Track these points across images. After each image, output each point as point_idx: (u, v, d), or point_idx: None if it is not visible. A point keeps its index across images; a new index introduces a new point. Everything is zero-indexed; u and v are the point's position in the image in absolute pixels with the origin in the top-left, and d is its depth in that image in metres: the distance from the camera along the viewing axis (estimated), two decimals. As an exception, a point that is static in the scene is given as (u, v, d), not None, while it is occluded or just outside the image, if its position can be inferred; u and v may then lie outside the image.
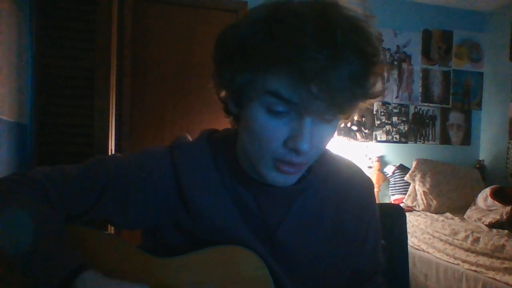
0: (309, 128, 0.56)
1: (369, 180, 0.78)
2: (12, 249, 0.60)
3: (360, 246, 0.74)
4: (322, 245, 0.70)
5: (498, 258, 2.19)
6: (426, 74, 3.62)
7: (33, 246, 0.59)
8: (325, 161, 0.73)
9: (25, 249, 0.59)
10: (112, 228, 1.94)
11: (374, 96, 0.59)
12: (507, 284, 2.09)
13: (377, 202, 0.81)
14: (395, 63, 3.51)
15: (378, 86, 0.58)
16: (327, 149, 0.74)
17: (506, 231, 2.42)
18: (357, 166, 0.79)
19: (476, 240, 2.36)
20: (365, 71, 0.54)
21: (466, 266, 2.38)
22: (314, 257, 0.70)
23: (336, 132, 0.65)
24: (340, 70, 0.51)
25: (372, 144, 3.46)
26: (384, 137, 3.52)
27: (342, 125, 3.08)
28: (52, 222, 0.63)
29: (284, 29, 0.52)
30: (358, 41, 0.52)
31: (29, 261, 0.59)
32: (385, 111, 3.52)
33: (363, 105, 0.61)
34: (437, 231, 2.68)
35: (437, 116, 3.66)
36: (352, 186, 0.74)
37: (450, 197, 3.16)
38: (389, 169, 3.41)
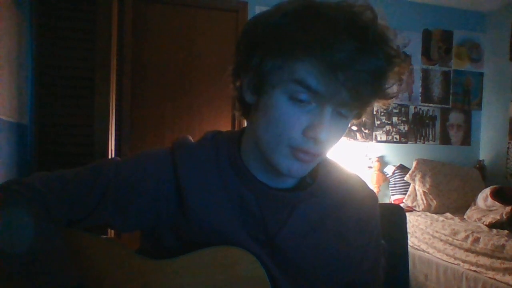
0: (329, 118, 0.58)
1: (373, 194, 0.78)
2: (10, 263, 0.59)
3: (359, 260, 0.73)
4: (321, 254, 0.70)
5: (498, 258, 2.19)
6: (426, 74, 3.62)
7: (31, 262, 0.58)
8: (330, 171, 0.74)
9: (22, 264, 0.58)
10: (112, 231, 1.93)
11: (389, 97, 0.62)
12: (507, 284, 2.09)
13: (378, 208, 0.80)
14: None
15: (394, 88, 0.61)
16: (334, 161, 0.76)
17: (506, 231, 2.42)
18: (362, 180, 0.79)
19: (476, 240, 2.36)
20: (387, 69, 0.57)
21: (466, 266, 2.37)
22: (312, 264, 0.69)
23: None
24: (367, 64, 0.54)
25: (372, 144, 3.46)
26: (384, 137, 3.53)
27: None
28: (51, 237, 0.62)
29: (319, 20, 0.55)
30: (385, 41, 0.56)
31: (26, 277, 0.58)
32: (385, 111, 3.52)
33: (374, 105, 0.64)
34: (437, 231, 2.68)
35: (437, 116, 3.66)
36: (356, 199, 0.74)
37: (450, 197, 3.16)
38: (389, 169, 3.41)
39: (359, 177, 0.79)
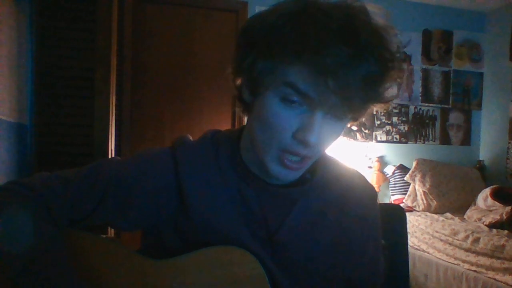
0: (319, 122, 0.58)
1: (372, 189, 0.78)
2: (10, 264, 0.58)
3: (359, 254, 0.74)
4: (321, 249, 0.70)
5: (498, 258, 2.19)
6: (426, 74, 3.62)
7: (30, 264, 0.58)
8: (329, 167, 0.74)
9: (22, 265, 0.58)
10: (112, 230, 1.93)
11: (385, 101, 0.61)
12: (507, 284, 2.09)
13: (377, 203, 0.80)
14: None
15: (391, 91, 0.60)
16: (332, 156, 0.76)
17: (506, 231, 2.42)
18: (361, 174, 0.79)
19: (476, 240, 2.36)
20: (381, 75, 0.56)
21: (466, 266, 2.38)
22: (312, 260, 0.69)
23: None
24: (358, 69, 0.53)
25: (372, 144, 3.46)
26: (384, 137, 3.53)
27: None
28: (51, 239, 0.62)
29: (311, 24, 0.54)
30: (378, 45, 0.55)
31: (26, 278, 0.57)
32: (385, 111, 3.51)
33: (372, 108, 0.63)
34: (437, 231, 2.68)
35: (437, 116, 3.66)
36: (355, 194, 0.74)
37: (450, 197, 3.16)
38: (389, 169, 3.41)
39: (358, 172, 0.79)
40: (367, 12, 0.56)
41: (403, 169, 3.36)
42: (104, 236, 0.71)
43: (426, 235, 2.76)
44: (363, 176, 0.79)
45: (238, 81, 0.66)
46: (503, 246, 2.18)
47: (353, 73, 0.53)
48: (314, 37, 0.53)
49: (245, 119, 0.71)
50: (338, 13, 0.54)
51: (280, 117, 0.58)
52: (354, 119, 0.65)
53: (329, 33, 0.53)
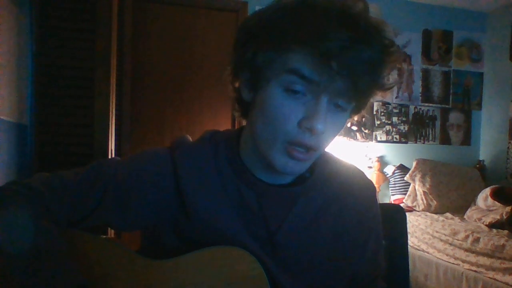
0: (325, 108, 0.58)
1: (371, 184, 0.78)
2: (11, 265, 0.58)
3: (361, 250, 0.74)
4: (322, 248, 0.70)
5: (498, 258, 2.19)
6: (426, 74, 3.62)
7: (32, 262, 0.58)
8: (327, 163, 0.74)
9: (24, 264, 0.58)
10: (113, 231, 1.93)
11: (387, 88, 0.62)
12: (507, 284, 2.09)
13: (376, 196, 0.80)
14: (395, 63, 3.52)
15: (392, 79, 0.61)
16: (330, 153, 0.76)
17: (506, 231, 2.42)
18: (359, 170, 0.79)
19: (476, 240, 2.36)
20: (383, 59, 0.57)
21: (466, 266, 2.38)
22: (314, 259, 0.69)
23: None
24: (360, 53, 0.54)
25: (372, 144, 3.46)
26: (384, 137, 3.53)
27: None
28: (52, 237, 0.62)
29: (310, 12, 0.55)
30: (378, 31, 0.56)
31: (28, 276, 0.57)
32: (385, 111, 3.52)
33: (374, 99, 0.64)
34: (437, 231, 2.68)
35: (437, 116, 3.66)
36: (354, 189, 0.75)
37: (450, 197, 3.16)
38: (389, 169, 3.41)
39: (356, 167, 0.79)
40: (365, 1, 0.57)
41: (403, 169, 3.36)
42: (104, 236, 0.71)
43: (426, 235, 2.76)
44: (362, 171, 0.79)
45: (237, 83, 0.66)
46: (503, 246, 2.19)
47: (356, 56, 0.54)
48: (315, 24, 0.54)
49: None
50: (336, 3, 0.56)
51: (284, 107, 0.58)
52: (356, 110, 0.65)
53: (330, 20, 0.54)
